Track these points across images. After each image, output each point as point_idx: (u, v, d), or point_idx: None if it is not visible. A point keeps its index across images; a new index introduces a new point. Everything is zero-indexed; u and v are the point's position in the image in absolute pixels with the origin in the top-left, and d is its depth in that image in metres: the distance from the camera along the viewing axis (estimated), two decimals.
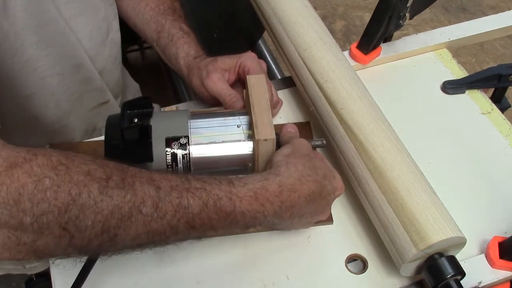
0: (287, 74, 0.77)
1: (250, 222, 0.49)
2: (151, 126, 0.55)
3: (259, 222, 0.50)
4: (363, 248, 0.61)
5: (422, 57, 0.82)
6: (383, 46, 0.79)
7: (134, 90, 1.00)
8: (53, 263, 0.58)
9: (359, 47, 0.78)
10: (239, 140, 0.57)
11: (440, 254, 0.53)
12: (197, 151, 0.56)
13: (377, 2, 0.71)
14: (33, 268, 0.58)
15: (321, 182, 0.53)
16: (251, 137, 0.57)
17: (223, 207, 0.46)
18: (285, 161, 0.52)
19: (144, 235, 0.43)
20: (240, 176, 0.50)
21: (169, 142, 0.55)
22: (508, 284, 0.59)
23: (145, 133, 0.55)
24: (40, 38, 0.63)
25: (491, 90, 0.79)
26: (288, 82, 0.78)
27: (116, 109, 0.85)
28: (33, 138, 0.76)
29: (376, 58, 0.79)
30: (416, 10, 0.75)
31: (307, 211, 0.53)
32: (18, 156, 0.38)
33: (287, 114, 0.74)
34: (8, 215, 0.36)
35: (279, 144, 0.57)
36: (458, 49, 0.85)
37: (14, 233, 0.37)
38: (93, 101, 0.80)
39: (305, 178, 0.52)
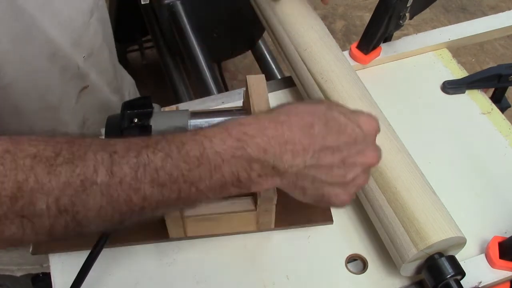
0: (287, 74, 0.77)
1: (235, 167, 0.40)
2: (151, 126, 0.55)
3: (248, 166, 0.40)
4: (363, 248, 0.61)
5: (422, 57, 0.82)
6: (383, 46, 0.79)
7: (129, 84, 0.99)
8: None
9: (359, 47, 0.78)
10: None
11: (440, 254, 0.53)
12: None
13: (377, 2, 0.71)
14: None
15: (324, 114, 0.43)
16: None
17: (190, 151, 0.39)
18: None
19: (108, 207, 0.38)
20: None
21: None
22: (508, 284, 0.59)
23: (145, 133, 0.55)
24: (14, 33, 0.62)
25: (491, 90, 0.79)
26: (288, 82, 0.78)
27: (100, 94, 0.83)
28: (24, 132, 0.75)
29: (376, 58, 0.79)
30: (416, 10, 0.75)
31: (322, 151, 0.42)
32: None
33: None
34: None
35: None
36: (458, 49, 0.85)
37: None
38: (75, 90, 0.78)
39: (293, 111, 0.43)
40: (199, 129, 0.41)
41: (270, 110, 0.44)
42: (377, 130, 0.46)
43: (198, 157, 0.39)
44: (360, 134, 0.44)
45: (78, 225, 0.39)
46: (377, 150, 0.46)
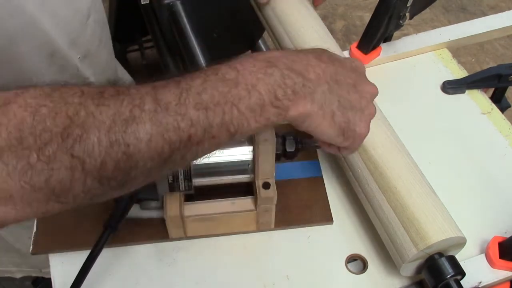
0: None
1: (270, 85, 0.42)
2: None
3: (283, 82, 0.42)
4: (363, 248, 0.61)
5: (422, 57, 0.82)
6: (383, 46, 0.79)
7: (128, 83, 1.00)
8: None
9: (359, 47, 0.78)
10: (239, 141, 0.57)
11: (440, 254, 0.53)
12: None
13: (377, 2, 0.71)
14: (49, 272, 0.58)
15: (324, 51, 0.49)
16: (251, 137, 0.57)
17: (225, 74, 0.42)
18: None
19: (158, 137, 0.39)
20: None
21: None
22: (508, 284, 0.59)
23: None
24: (12, 31, 0.62)
25: (491, 90, 0.79)
26: None
27: None
28: None
29: (376, 58, 0.79)
30: (416, 10, 0.75)
31: (336, 74, 0.47)
32: (9, 92, 0.37)
33: None
34: (15, 158, 0.35)
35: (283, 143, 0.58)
36: (458, 49, 0.85)
37: (25, 179, 0.35)
38: None
39: (304, 51, 0.47)
40: (227, 61, 0.43)
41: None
42: (363, 64, 0.52)
43: (234, 78, 0.41)
44: (358, 67, 0.50)
45: (128, 161, 0.38)
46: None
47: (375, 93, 0.51)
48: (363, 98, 0.49)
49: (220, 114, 0.40)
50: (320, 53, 0.47)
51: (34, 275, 0.98)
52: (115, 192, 0.40)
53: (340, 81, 0.47)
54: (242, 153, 0.57)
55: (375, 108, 0.51)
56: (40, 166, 0.35)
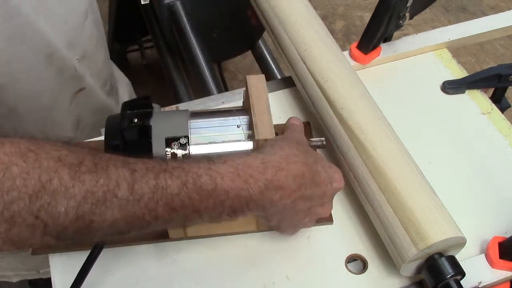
0: (287, 74, 0.77)
1: (235, 203, 0.46)
2: (151, 126, 0.55)
3: (246, 204, 0.46)
4: (363, 248, 0.61)
5: (422, 57, 0.82)
6: (383, 46, 0.79)
7: (125, 85, 0.99)
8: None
9: (359, 47, 0.78)
10: (239, 140, 0.57)
11: (440, 254, 0.53)
12: (197, 151, 0.56)
13: (377, 2, 0.71)
14: (48, 272, 0.58)
15: (312, 166, 0.50)
16: (251, 137, 0.57)
17: (203, 185, 0.44)
18: (270, 143, 0.51)
19: (122, 221, 0.41)
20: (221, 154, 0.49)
21: (169, 142, 0.55)
22: (508, 284, 0.59)
23: (145, 133, 0.55)
24: (9, 33, 0.62)
25: (491, 90, 0.79)
26: (288, 82, 0.78)
27: (95, 96, 0.83)
28: (18, 133, 0.75)
29: (376, 58, 0.79)
30: (416, 10, 0.75)
31: (300, 198, 0.50)
32: None
33: (287, 114, 0.74)
34: None
35: None
36: (458, 49, 0.85)
37: None
38: (70, 91, 0.78)
39: (292, 158, 0.49)
40: (211, 163, 0.46)
41: (274, 150, 0.50)
42: (342, 188, 0.54)
43: (210, 191, 0.44)
44: (330, 191, 0.53)
45: (88, 233, 0.40)
46: (332, 206, 0.56)
47: (325, 216, 0.56)
48: (307, 216, 0.54)
49: (182, 216, 0.44)
50: (307, 172, 0.49)
51: (30, 278, 0.97)
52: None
53: (296, 208, 0.51)
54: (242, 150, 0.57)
55: (313, 222, 0.56)
56: (2, 217, 0.36)
